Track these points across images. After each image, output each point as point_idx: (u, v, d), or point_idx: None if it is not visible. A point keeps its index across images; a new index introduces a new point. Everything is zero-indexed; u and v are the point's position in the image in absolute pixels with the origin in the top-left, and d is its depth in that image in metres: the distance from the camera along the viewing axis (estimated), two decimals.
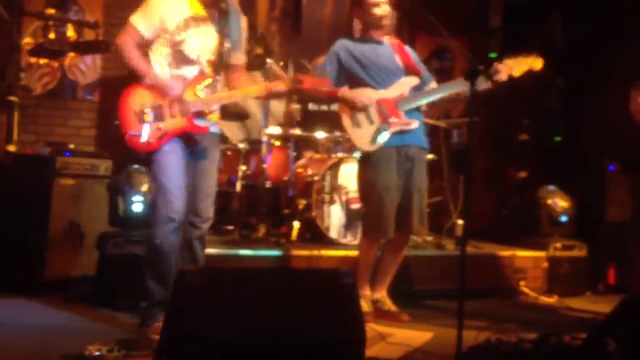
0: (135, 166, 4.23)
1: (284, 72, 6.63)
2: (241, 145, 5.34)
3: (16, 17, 4.98)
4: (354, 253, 4.66)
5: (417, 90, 4.06)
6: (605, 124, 5.95)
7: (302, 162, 5.43)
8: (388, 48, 4.08)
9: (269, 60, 5.30)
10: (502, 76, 3.82)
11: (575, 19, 6.44)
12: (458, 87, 3.94)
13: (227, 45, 3.51)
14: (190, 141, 3.46)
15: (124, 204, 4.15)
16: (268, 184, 5.21)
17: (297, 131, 5.33)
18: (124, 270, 3.99)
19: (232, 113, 5.71)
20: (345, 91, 4.01)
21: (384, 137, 3.92)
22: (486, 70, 3.70)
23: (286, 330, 2.51)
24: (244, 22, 3.66)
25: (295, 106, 5.39)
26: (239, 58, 3.66)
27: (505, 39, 6.83)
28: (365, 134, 3.94)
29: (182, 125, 3.39)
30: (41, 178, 4.31)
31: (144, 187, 4.16)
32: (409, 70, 4.08)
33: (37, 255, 4.20)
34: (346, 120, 4.01)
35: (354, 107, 3.97)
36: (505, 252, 5.15)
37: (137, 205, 4.14)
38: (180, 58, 3.45)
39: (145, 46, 3.49)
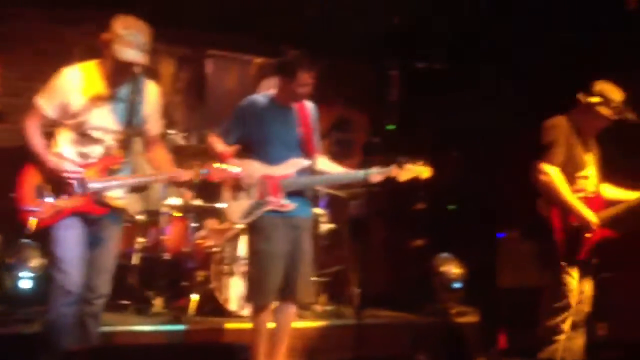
0: (25, 241, 4.12)
1: (186, 143, 6.69)
2: (139, 217, 5.28)
3: None
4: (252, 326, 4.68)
5: (304, 172, 4.11)
6: (497, 192, 6.26)
7: (202, 233, 5.42)
8: (295, 118, 4.11)
9: (170, 131, 5.32)
10: (393, 173, 4.05)
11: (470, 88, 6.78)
12: (346, 178, 4.09)
13: (138, 119, 3.53)
14: (89, 221, 3.45)
15: (11, 280, 4.02)
16: (166, 256, 5.16)
17: (198, 202, 5.33)
18: (10, 351, 3.83)
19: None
20: (235, 163, 4.00)
21: (256, 214, 3.98)
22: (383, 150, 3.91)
23: None
24: (155, 92, 3.66)
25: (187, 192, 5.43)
26: (154, 129, 3.67)
27: (403, 111, 7.11)
28: (240, 208, 4.01)
29: (80, 204, 3.39)
30: None
31: (34, 263, 4.06)
32: (305, 148, 4.13)
33: None
34: (226, 190, 4.08)
35: (235, 181, 4.03)
36: (401, 320, 5.25)
37: (25, 281, 4.02)
38: (85, 137, 3.45)
39: (51, 124, 3.49)
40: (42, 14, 6.29)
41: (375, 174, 4.00)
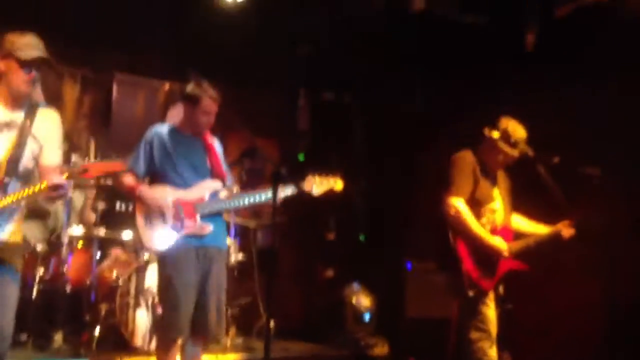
0: None
1: None
2: (39, 247, 5.02)
3: None
4: None
5: (218, 194, 4.07)
6: (405, 223, 6.38)
7: (106, 263, 5.22)
8: (201, 145, 4.09)
9: (74, 158, 5.09)
10: (306, 187, 4.02)
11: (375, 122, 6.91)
12: (258, 198, 4.01)
13: (34, 146, 3.30)
14: None
15: None
16: (68, 288, 4.93)
17: (101, 232, 5.13)
18: None
19: (30, 210, 5.42)
20: (143, 190, 3.98)
21: (174, 239, 3.90)
22: (292, 177, 3.87)
23: None
24: (56, 119, 3.45)
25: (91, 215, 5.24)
26: (52, 158, 3.43)
27: (314, 140, 7.16)
28: (156, 234, 3.92)
29: None
30: None
31: None
32: (215, 173, 4.10)
33: None
34: (140, 219, 3.98)
35: (149, 208, 3.96)
36: (312, 353, 5.22)
37: None
38: None
39: None
40: None
41: (290, 190, 3.97)
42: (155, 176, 4.03)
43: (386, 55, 6.42)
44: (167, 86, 7.01)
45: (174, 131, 4.07)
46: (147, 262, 4.99)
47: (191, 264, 3.87)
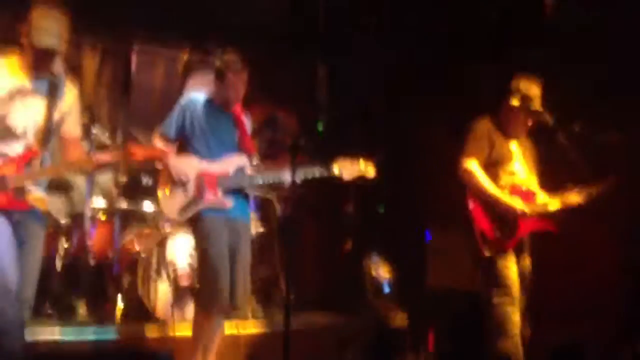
0: None
1: (111, 140, 6.49)
2: (63, 220, 5.09)
3: None
4: (181, 332, 4.59)
5: (242, 170, 4.09)
6: (425, 192, 6.34)
7: (128, 237, 5.27)
8: (231, 119, 4.12)
9: (94, 130, 5.14)
10: (336, 171, 3.99)
11: (394, 85, 6.84)
12: (281, 177, 3.98)
13: (57, 117, 3.41)
14: (13, 219, 3.29)
15: None
16: (91, 261, 5.00)
17: (123, 204, 5.17)
18: None
19: (54, 185, 5.48)
20: (172, 159, 4.02)
21: (193, 211, 3.95)
22: (314, 152, 3.87)
23: None
24: (75, 92, 3.57)
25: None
26: (72, 130, 3.55)
27: (332, 112, 7.12)
28: (176, 203, 3.97)
29: (0, 201, 3.25)
30: None
31: None
32: (242, 148, 4.13)
33: None
34: (162, 187, 4.05)
35: (172, 177, 4.00)
36: (331, 324, 5.26)
37: None
38: (4, 132, 3.31)
39: None
40: None
41: (318, 173, 3.95)
42: (183, 143, 4.08)
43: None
44: (186, 56, 7.00)
45: (208, 103, 4.10)
46: (168, 235, 5.03)
47: (222, 236, 3.93)
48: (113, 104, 6.76)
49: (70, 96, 3.52)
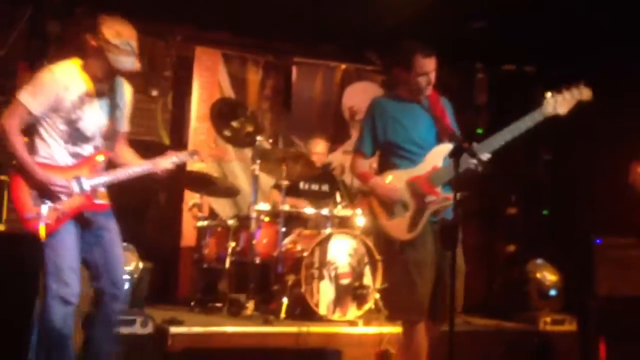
0: (123, 244, 4.20)
1: (273, 147, 6.77)
2: (230, 222, 5.36)
3: None
4: (342, 330, 4.66)
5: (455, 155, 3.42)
6: (592, 197, 6.03)
7: (291, 237, 5.44)
8: (425, 109, 3.65)
9: (258, 138, 5.37)
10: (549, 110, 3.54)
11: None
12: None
13: (119, 114, 3.53)
14: (86, 222, 3.39)
15: None
16: (257, 260, 5.20)
17: (286, 207, 5.36)
18: None
19: (222, 189, 5.80)
20: (376, 182, 3.70)
21: (423, 222, 3.55)
22: (471, 148, 3.56)
23: None
24: (130, 90, 3.64)
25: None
26: (125, 126, 3.65)
27: (492, 115, 6.97)
28: (402, 223, 3.58)
29: (80, 203, 3.36)
30: None
31: (131, 266, 4.13)
32: (443, 133, 3.66)
33: None
34: (377, 210, 3.68)
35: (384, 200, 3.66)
36: (495, 328, 5.12)
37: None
38: (76, 135, 3.40)
39: (33, 122, 3.37)
40: None
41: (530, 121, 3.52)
42: (383, 152, 3.79)
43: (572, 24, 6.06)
44: (343, 67, 7.16)
45: (395, 99, 3.76)
46: (329, 236, 5.14)
47: (429, 240, 3.58)
48: (275, 113, 7.06)
49: (127, 94, 3.62)
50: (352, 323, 4.85)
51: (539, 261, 5.47)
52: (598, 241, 5.48)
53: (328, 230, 5.25)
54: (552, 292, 5.33)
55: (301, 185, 5.84)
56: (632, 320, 5.10)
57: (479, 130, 6.76)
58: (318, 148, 6.07)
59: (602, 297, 5.34)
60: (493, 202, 6.78)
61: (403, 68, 3.68)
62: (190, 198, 5.82)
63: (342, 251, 5.10)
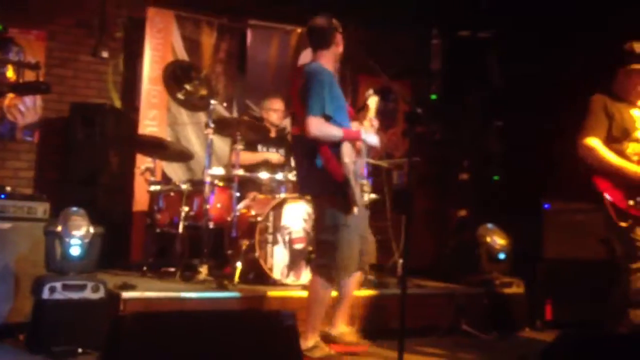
0: (74, 209, 4.15)
1: (227, 112, 6.70)
2: (184, 186, 5.30)
3: None
4: (296, 293, 4.70)
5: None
6: (541, 164, 6.16)
7: (245, 202, 5.43)
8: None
9: (212, 102, 5.31)
10: None
11: (514, 59, 6.65)
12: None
13: None
14: None
15: (61, 248, 4.06)
16: (211, 225, 5.19)
17: (240, 172, 5.33)
18: (60, 316, 3.89)
19: (175, 153, 5.73)
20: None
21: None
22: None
23: None
24: None
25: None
26: None
27: (445, 81, 7.01)
28: (358, 191, 3.96)
29: None
30: None
31: (82, 231, 4.08)
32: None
33: None
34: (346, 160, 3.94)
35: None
36: (446, 290, 5.23)
37: (75, 248, 4.06)
38: None
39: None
40: None
41: None
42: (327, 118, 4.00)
43: None
44: (299, 30, 7.09)
45: (329, 70, 4.09)
46: (283, 201, 5.14)
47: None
48: (230, 77, 6.98)
49: None
50: (305, 287, 4.89)
51: (490, 226, 5.58)
52: (546, 206, 5.63)
53: (282, 195, 5.26)
54: (502, 256, 5.45)
55: (259, 148, 5.84)
56: (578, 283, 5.28)
57: (433, 96, 6.80)
58: (276, 105, 6.03)
59: (549, 260, 5.51)
60: (445, 168, 6.86)
61: (329, 43, 4.12)
62: (142, 162, 5.75)
63: (296, 216, 5.12)
